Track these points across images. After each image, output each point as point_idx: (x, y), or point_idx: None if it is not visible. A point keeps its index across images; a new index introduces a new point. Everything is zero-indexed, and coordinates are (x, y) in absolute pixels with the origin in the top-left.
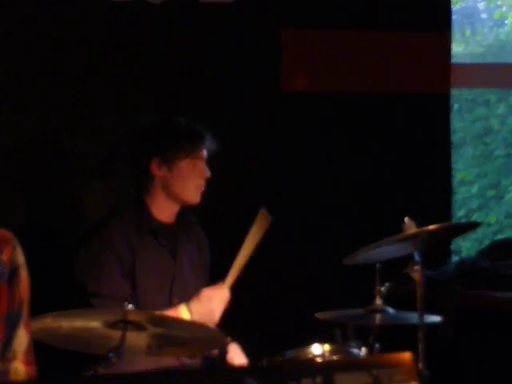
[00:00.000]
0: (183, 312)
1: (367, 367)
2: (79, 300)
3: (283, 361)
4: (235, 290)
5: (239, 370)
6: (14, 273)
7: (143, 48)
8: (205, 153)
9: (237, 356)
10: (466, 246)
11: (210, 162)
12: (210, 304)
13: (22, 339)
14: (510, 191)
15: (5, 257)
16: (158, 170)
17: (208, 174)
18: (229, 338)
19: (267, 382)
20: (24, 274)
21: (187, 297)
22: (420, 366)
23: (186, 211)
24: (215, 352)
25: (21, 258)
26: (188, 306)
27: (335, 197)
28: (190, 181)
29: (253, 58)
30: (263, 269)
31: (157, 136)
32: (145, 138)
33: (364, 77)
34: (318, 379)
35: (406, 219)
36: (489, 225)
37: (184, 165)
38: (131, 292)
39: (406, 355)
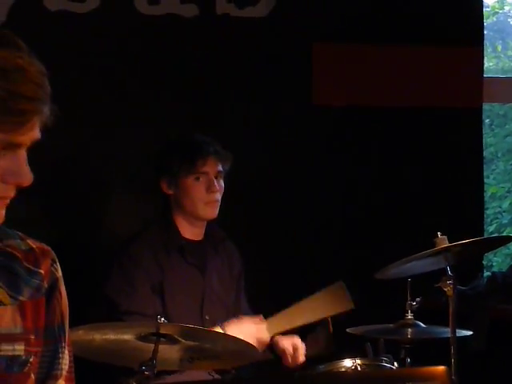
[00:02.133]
0: None
1: (401, 380)
2: (111, 317)
3: (315, 374)
4: (268, 302)
5: (274, 381)
6: (53, 287)
7: (175, 62)
8: (212, 166)
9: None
10: (497, 261)
11: (238, 175)
12: (247, 334)
13: (66, 357)
14: None
15: (43, 270)
16: (167, 190)
17: (217, 188)
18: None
19: None
20: (63, 288)
21: (218, 313)
22: (454, 379)
23: (214, 227)
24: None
25: (59, 272)
26: (224, 329)
27: (367, 210)
28: (198, 197)
29: (284, 71)
30: (294, 283)
31: (160, 157)
32: (153, 159)
33: (396, 91)
34: None
35: (438, 234)
36: None
37: (189, 182)
38: (162, 309)
39: (441, 369)
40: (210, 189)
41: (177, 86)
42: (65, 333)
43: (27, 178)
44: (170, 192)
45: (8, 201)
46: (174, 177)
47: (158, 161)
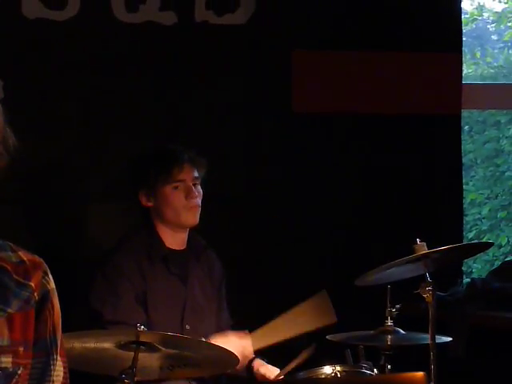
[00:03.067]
0: None
1: None
2: (94, 326)
3: (295, 381)
4: (245, 309)
5: None
6: (44, 299)
7: (154, 70)
8: (188, 174)
9: (266, 368)
10: (476, 268)
11: (220, 183)
12: (232, 348)
13: (59, 368)
14: None
15: (34, 282)
16: (147, 202)
17: (195, 194)
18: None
19: None
20: (56, 299)
21: (199, 322)
22: None
23: (195, 236)
24: (239, 369)
25: (52, 284)
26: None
27: (346, 217)
28: (178, 205)
29: (264, 79)
30: (274, 291)
31: (135, 170)
32: (129, 173)
33: (375, 98)
34: None
35: (417, 240)
36: (499, 246)
37: (167, 192)
38: (145, 318)
39: (419, 374)
40: (189, 195)
41: (155, 93)
42: (57, 345)
43: None
44: (150, 204)
45: None
46: (151, 188)
47: (134, 174)
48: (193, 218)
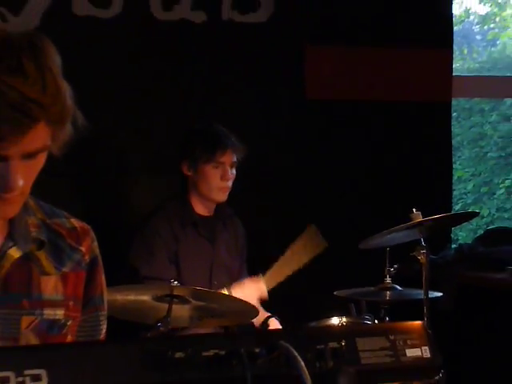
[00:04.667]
0: None
1: (384, 333)
2: (133, 282)
3: (309, 328)
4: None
5: (273, 332)
6: (94, 262)
7: (188, 60)
8: (228, 157)
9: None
10: (462, 235)
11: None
12: (249, 294)
13: (104, 322)
14: (501, 188)
15: (84, 247)
16: (187, 171)
17: (230, 176)
18: (268, 314)
19: (298, 345)
20: (101, 263)
21: (225, 279)
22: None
23: (223, 205)
24: (257, 324)
25: (98, 249)
26: (230, 291)
27: (353, 192)
28: (213, 183)
29: (281, 70)
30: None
31: (185, 141)
32: (179, 142)
33: (378, 87)
34: (343, 342)
35: (414, 210)
36: (482, 217)
37: (207, 169)
38: (176, 275)
39: (418, 323)
40: (224, 177)
41: (186, 82)
42: (103, 302)
43: (9, 189)
44: (190, 174)
45: None
46: (194, 162)
47: (183, 145)
48: (222, 196)
